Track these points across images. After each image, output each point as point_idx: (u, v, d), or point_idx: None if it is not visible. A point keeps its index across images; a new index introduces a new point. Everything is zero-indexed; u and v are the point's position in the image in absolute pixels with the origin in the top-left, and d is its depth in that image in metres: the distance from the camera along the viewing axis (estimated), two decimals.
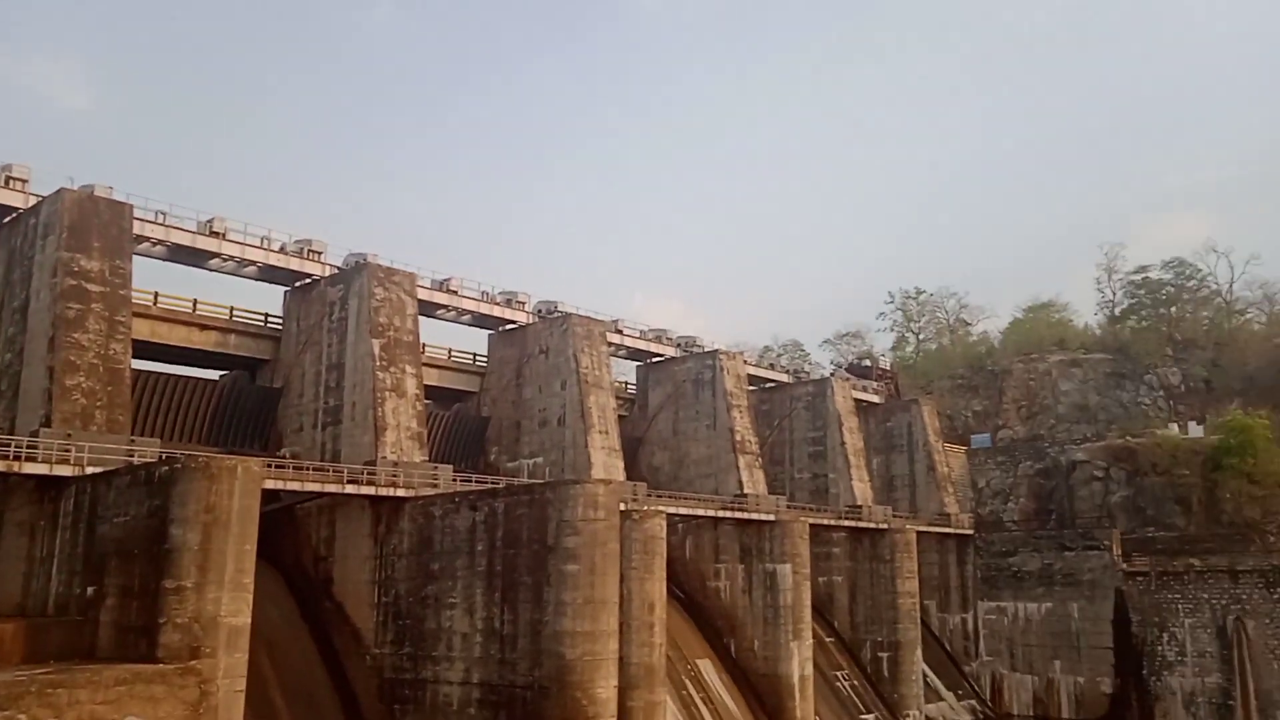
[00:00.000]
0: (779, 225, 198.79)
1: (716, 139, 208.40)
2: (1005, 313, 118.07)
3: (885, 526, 58.57)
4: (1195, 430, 73.05)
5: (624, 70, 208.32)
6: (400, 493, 36.16)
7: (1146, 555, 60.19)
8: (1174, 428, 75.35)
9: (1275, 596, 53.04)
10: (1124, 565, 58.72)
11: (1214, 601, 54.80)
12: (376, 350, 39.12)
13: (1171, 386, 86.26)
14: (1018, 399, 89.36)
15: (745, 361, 62.50)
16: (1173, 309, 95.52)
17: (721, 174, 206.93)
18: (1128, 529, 64.18)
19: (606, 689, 31.20)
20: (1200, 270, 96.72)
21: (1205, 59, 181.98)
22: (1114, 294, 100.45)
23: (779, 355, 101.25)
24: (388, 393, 38.64)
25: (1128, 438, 74.10)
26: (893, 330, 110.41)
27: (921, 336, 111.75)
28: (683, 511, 48.75)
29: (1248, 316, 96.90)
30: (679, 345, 59.64)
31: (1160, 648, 55.89)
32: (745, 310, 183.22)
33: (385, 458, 37.24)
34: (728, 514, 50.30)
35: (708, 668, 46.81)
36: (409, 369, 40.00)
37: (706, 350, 58.44)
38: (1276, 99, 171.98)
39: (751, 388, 64.45)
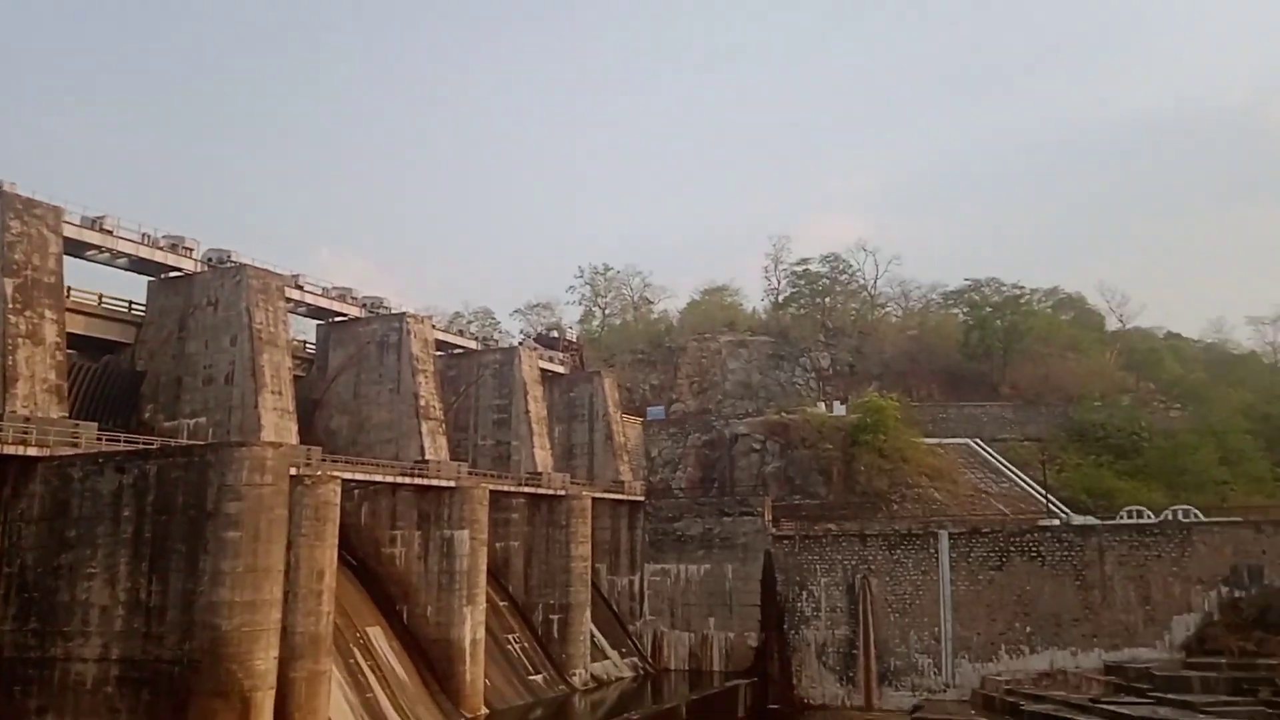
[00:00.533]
0: (476, 192, 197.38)
1: (409, 95, 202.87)
2: (684, 294, 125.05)
3: (563, 493, 60.18)
4: (839, 409, 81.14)
5: (316, 14, 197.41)
6: (31, 452, 32.28)
7: (793, 521, 66.17)
8: (822, 406, 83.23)
9: (895, 557, 60.19)
10: (773, 530, 64.17)
11: (846, 562, 61.29)
12: (9, 291, 34.57)
13: (822, 369, 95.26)
14: (691, 375, 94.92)
15: (434, 326, 61.59)
16: (827, 299, 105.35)
17: (418, 136, 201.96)
18: (779, 497, 70.23)
19: (266, 660, 29.76)
20: (851, 266, 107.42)
21: (866, 81, 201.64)
22: (779, 283, 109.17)
23: (469, 322, 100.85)
24: (21, 339, 34.31)
25: (783, 414, 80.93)
26: (581, 304, 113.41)
27: (608, 312, 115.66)
28: (359, 477, 47.35)
29: (887, 310, 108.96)
30: (365, 306, 57.64)
31: (800, 604, 61.74)
32: (438, 275, 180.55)
33: (15, 412, 33.07)
34: (407, 480, 49.48)
35: (378, 635, 45.95)
36: (49, 314, 35.74)
37: (393, 312, 56.92)
38: (921, 125, 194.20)
39: (439, 353, 63.67)
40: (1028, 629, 56.40)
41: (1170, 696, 46.74)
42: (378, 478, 48.53)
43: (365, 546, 50.57)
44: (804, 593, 61.99)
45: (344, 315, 56.90)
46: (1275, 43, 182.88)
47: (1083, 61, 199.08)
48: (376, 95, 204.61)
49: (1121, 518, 61.15)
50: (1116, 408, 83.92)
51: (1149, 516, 60.92)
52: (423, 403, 54.06)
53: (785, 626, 61.89)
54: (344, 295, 56.90)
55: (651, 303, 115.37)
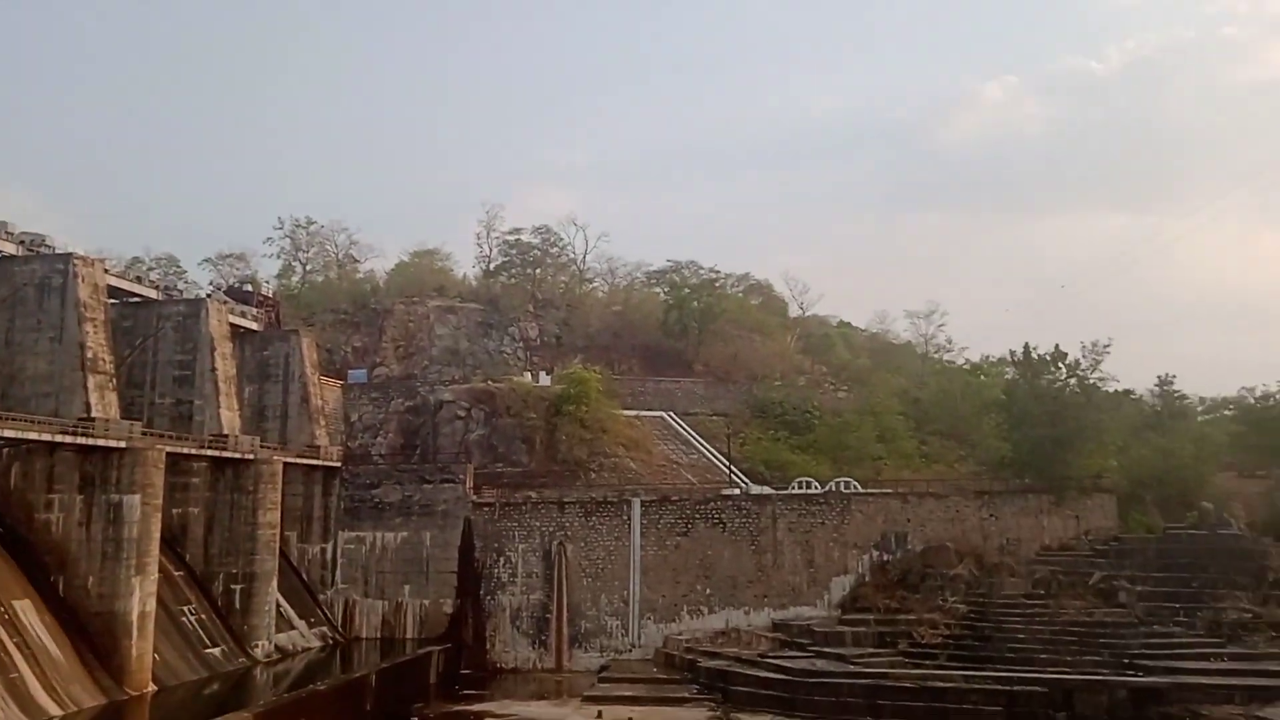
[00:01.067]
0: (162, 129, 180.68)
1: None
2: (393, 255, 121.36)
3: (252, 457, 56.79)
4: (544, 379, 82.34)
5: None
6: None
7: (495, 488, 66.51)
8: (528, 376, 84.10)
9: (590, 524, 62.18)
10: (474, 497, 64.20)
11: (544, 529, 62.53)
12: None
13: (530, 339, 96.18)
14: (396, 339, 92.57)
15: (107, 270, 55.78)
16: (538, 271, 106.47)
17: (103, 53, 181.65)
18: (482, 465, 70.18)
19: None
20: (562, 239, 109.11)
21: (585, 57, 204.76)
22: (490, 251, 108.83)
23: (150, 269, 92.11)
24: None
25: (489, 382, 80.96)
26: (280, 258, 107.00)
27: (309, 268, 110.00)
28: (8, 434, 42.18)
29: (594, 284, 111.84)
30: (23, 243, 51.18)
31: (497, 570, 62.29)
32: (116, 216, 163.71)
33: None
34: (69, 439, 44.65)
35: (27, 609, 41.31)
36: None
37: (58, 252, 50.95)
38: (637, 106, 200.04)
39: (113, 300, 57.75)
40: (708, 591, 60.32)
41: (827, 650, 51.88)
42: (32, 435, 43.45)
43: (16, 512, 45.24)
44: (502, 559, 62.60)
45: None
46: (946, 63, 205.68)
47: (787, 61, 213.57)
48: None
49: (793, 488, 66.64)
50: (793, 388, 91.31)
51: (816, 487, 66.90)
52: (90, 354, 48.90)
53: (482, 593, 62.24)
54: None
55: (358, 261, 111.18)
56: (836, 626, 54.53)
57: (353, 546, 64.26)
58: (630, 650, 60.00)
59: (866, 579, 59.12)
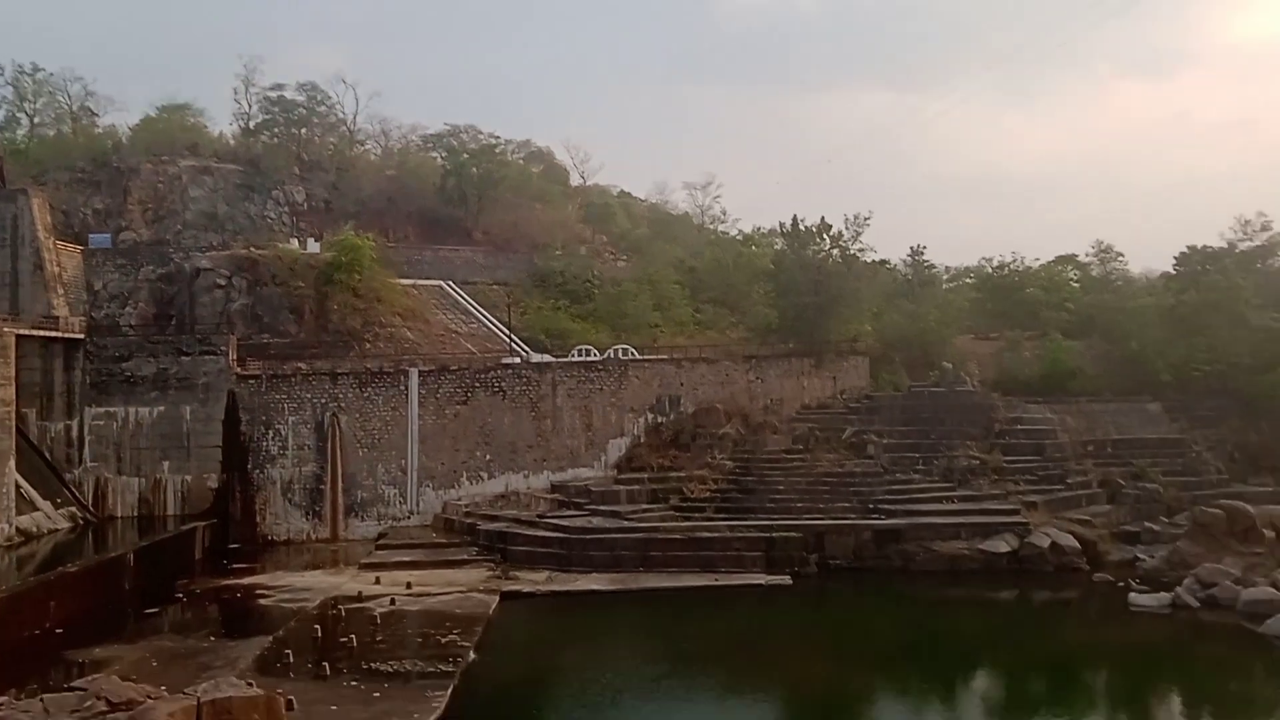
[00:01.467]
0: None
1: None
2: (138, 109, 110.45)
3: None
4: (313, 246, 78.33)
5: None
6: None
7: (261, 360, 63.44)
8: (294, 243, 79.68)
9: (365, 395, 60.72)
10: (238, 369, 61.07)
11: (315, 401, 60.52)
12: None
13: (296, 204, 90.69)
14: (144, 200, 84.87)
15: None
16: (303, 131, 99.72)
17: None
18: (245, 335, 66.56)
19: None
20: (330, 98, 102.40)
21: None
22: (250, 107, 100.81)
23: None
24: None
25: (251, 249, 76.16)
26: (1, 108, 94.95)
27: (37, 120, 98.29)
28: None
29: (366, 147, 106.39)
30: None
31: (266, 444, 60.03)
32: None
33: None
34: None
35: None
36: None
37: None
38: None
39: None
40: (488, 457, 60.71)
41: (602, 508, 53.80)
42: None
43: None
44: (270, 432, 60.33)
45: None
46: None
47: None
48: None
49: (572, 356, 67.48)
50: (575, 257, 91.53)
51: (595, 355, 68.00)
52: None
53: (250, 467, 59.95)
54: None
55: (96, 115, 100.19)
56: (612, 486, 56.55)
57: (102, 423, 60.02)
58: (409, 518, 59.92)
59: (641, 440, 61.23)
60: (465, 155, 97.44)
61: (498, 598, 43.84)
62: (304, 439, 60.32)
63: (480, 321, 79.69)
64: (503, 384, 61.61)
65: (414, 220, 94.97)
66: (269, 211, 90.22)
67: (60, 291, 62.56)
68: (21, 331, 55.63)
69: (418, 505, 60.14)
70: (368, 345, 71.65)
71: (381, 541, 55.52)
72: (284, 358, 65.54)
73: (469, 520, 56.16)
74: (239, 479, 59.77)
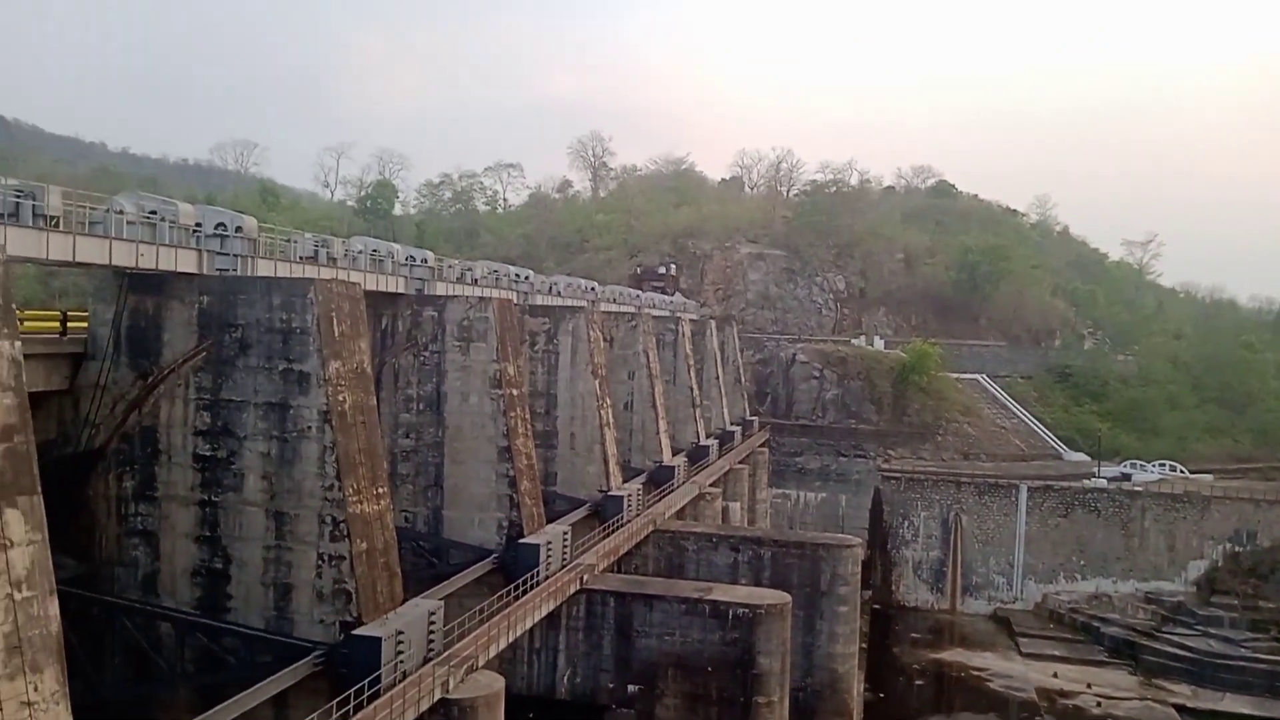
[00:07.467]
0: None
1: None
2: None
3: None
4: (878, 343, 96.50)
5: None
6: None
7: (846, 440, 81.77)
8: (861, 340, 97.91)
9: (982, 501, 77.21)
10: (882, 470, 79.50)
11: (942, 501, 77.78)
12: None
13: (838, 291, 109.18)
14: (716, 282, 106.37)
15: None
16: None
17: None
18: (835, 420, 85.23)
19: None
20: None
21: None
22: (787, 193, 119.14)
23: None
24: None
25: (833, 343, 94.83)
26: None
27: None
28: None
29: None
30: None
31: (902, 530, 78.23)
32: None
33: None
34: None
35: None
36: None
37: None
38: None
39: None
40: (1081, 562, 75.63)
41: (1211, 631, 67.21)
42: None
43: None
44: (905, 521, 78.43)
45: None
46: None
47: None
48: None
49: (1123, 468, 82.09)
50: (1079, 352, 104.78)
51: (1142, 467, 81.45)
52: None
53: (889, 546, 78.45)
54: None
55: None
56: (1212, 610, 69.26)
57: (780, 501, 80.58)
58: (1014, 602, 76.08)
59: (1219, 565, 73.65)
60: (970, 253, 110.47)
61: (1173, 710, 58.64)
62: (932, 530, 77.93)
63: (1019, 418, 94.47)
64: (1098, 504, 75.98)
65: (930, 306, 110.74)
66: (815, 297, 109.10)
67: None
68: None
69: (1021, 593, 76.21)
70: (939, 438, 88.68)
71: (1019, 630, 71.54)
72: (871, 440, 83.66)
73: (1081, 618, 71.35)
74: (880, 555, 78.42)
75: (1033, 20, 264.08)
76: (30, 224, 21.01)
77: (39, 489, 18.15)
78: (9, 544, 17.23)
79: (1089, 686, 61.42)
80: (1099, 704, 59.04)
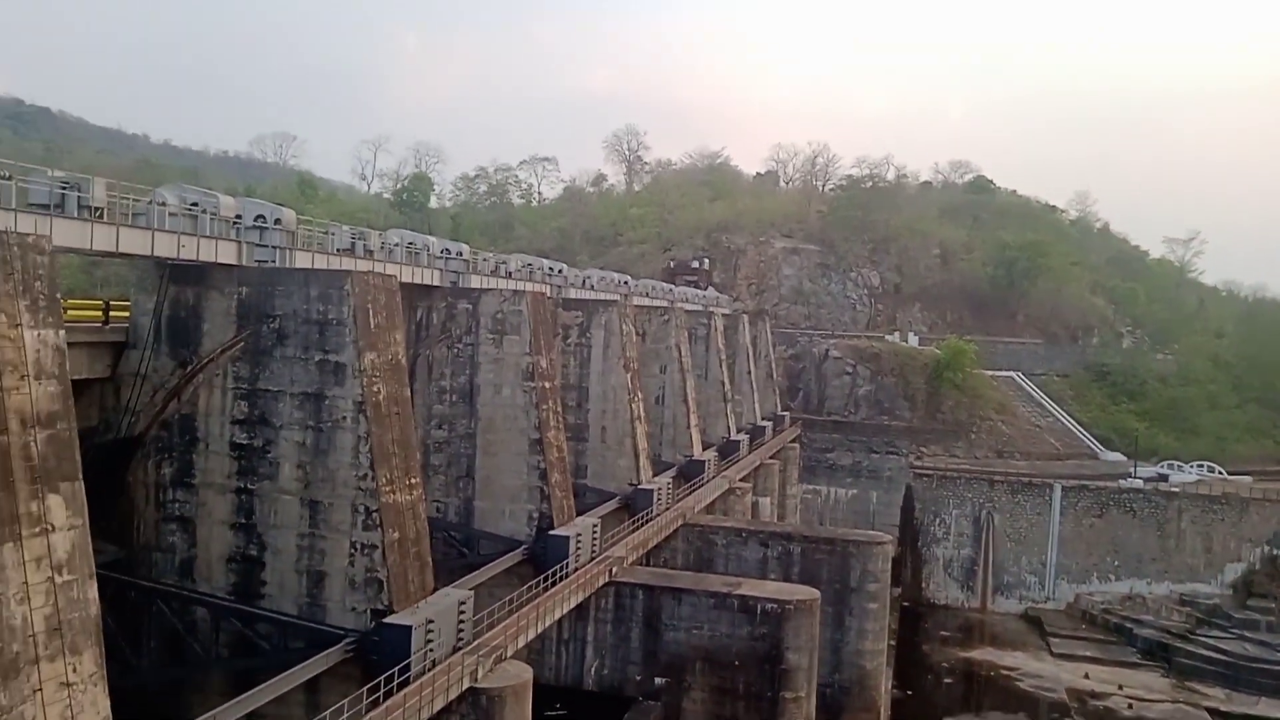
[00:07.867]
0: None
1: None
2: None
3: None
4: (912, 339, 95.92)
5: None
6: None
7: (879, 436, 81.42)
8: (896, 336, 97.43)
9: (1015, 500, 76.57)
10: (914, 467, 79.06)
11: (974, 499, 77.23)
12: None
13: (873, 287, 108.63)
14: (749, 276, 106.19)
15: None
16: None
17: None
18: (868, 416, 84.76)
19: None
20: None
21: None
22: (822, 187, 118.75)
23: None
24: None
25: (867, 339, 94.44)
26: None
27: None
28: None
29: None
30: None
31: (933, 528, 77.77)
32: None
33: None
34: None
35: None
36: None
37: None
38: None
39: None
40: (1116, 562, 74.77)
41: (1248, 634, 66.26)
42: None
43: None
44: (937, 519, 77.95)
45: None
46: None
47: None
48: None
49: (1160, 469, 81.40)
50: (1117, 350, 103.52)
51: (1180, 468, 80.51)
52: None
53: (919, 544, 78.05)
54: None
55: None
56: (1249, 613, 68.35)
57: (810, 497, 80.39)
58: (1045, 602, 75.41)
59: (1257, 568, 72.60)
60: (1007, 249, 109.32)
61: (1206, 713, 57.97)
62: (963, 528, 77.39)
63: (1055, 416, 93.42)
64: (1134, 505, 75.08)
65: (966, 302, 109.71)
66: (849, 292, 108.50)
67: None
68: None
69: (1053, 593, 75.51)
70: (972, 436, 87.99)
71: (1051, 630, 70.92)
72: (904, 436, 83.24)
73: (1113, 619, 70.60)
74: (910, 552, 78.02)
75: (1072, 10, 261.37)
76: (75, 215, 21.50)
77: (80, 475, 18.58)
78: (51, 528, 17.65)
79: (1120, 688, 60.80)
80: (1130, 706, 58.44)
